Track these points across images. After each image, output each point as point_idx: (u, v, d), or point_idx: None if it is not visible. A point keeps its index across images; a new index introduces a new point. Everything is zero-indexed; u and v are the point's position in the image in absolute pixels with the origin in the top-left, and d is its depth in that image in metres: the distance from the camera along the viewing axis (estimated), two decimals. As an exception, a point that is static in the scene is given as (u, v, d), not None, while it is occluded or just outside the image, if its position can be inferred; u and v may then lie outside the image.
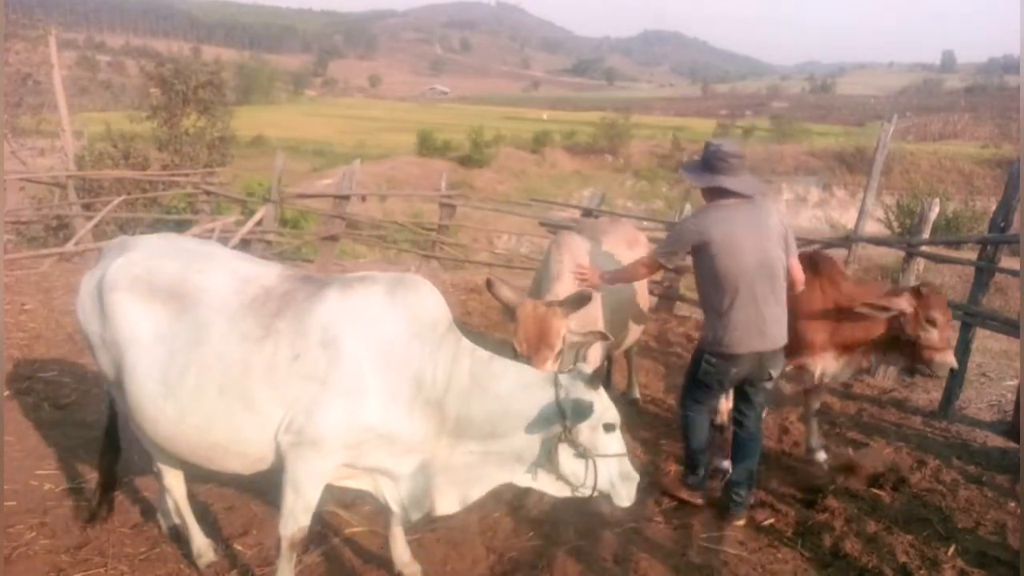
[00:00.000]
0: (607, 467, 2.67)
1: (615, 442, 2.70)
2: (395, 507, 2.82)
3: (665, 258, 3.71)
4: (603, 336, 3.59)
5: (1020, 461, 4.62)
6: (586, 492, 2.70)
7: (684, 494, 3.94)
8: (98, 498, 3.38)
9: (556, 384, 2.64)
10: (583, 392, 2.61)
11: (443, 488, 2.76)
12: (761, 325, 3.50)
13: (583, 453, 2.62)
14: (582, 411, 2.56)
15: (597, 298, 3.80)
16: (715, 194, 3.54)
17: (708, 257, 3.49)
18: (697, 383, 3.76)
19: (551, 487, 2.76)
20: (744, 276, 3.44)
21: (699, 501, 3.93)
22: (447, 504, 2.79)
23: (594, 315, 3.88)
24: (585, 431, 2.61)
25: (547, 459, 2.66)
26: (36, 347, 5.84)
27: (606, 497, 2.73)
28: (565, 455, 2.64)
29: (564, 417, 2.58)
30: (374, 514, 3.63)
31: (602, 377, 2.76)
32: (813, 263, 4.23)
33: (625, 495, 2.72)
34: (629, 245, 4.72)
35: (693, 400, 3.85)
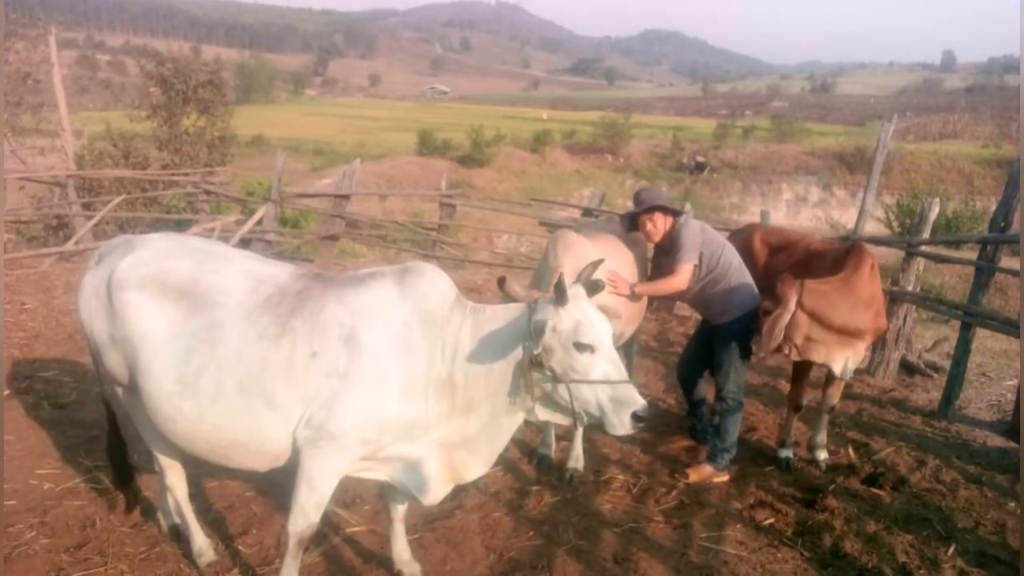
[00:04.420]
0: (593, 392, 2.54)
1: (599, 364, 2.54)
2: (416, 492, 2.79)
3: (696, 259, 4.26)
4: (596, 274, 3.18)
5: (1020, 461, 4.63)
6: (584, 420, 2.60)
7: (716, 477, 4.32)
8: (124, 495, 3.46)
9: (530, 309, 2.59)
10: (546, 311, 2.52)
11: (466, 458, 2.78)
12: None
13: (553, 377, 2.53)
14: (537, 330, 2.48)
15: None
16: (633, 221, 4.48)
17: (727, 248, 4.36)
18: (748, 357, 4.31)
19: (557, 417, 2.70)
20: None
21: (727, 476, 4.39)
22: (475, 470, 2.82)
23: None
24: (557, 353, 2.52)
25: (524, 385, 2.57)
26: (36, 346, 5.83)
27: (599, 424, 2.59)
28: (538, 380, 2.56)
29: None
30: (374, 514, 3.65)
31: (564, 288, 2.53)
32: (850, 252, 4.43)
33: (617, 423, 2.54)
34: (628, 244, 4.71)
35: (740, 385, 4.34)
